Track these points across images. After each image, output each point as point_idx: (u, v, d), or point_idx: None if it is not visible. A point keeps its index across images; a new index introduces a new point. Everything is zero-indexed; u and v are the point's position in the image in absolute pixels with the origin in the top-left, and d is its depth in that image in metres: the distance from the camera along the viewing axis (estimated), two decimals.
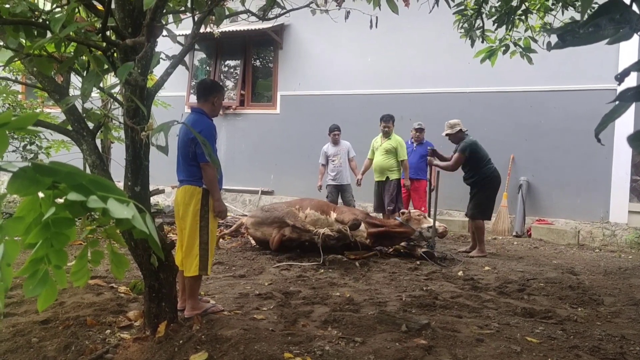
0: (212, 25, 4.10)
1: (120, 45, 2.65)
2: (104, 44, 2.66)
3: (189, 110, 10.99)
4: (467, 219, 7.28)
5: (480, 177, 6.64)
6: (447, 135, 6.89)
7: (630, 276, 5.58)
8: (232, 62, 11.45)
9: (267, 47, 11.06)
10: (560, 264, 6.28)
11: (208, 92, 3.75)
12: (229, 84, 11.37)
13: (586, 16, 1.10)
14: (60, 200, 0.97)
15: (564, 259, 6.68)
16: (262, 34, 10.17)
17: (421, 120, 8.44)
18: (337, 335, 3.24)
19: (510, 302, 4.31)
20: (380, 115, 8.09)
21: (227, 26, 9.11)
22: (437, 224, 6.42)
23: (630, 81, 1.19)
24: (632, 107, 7.45)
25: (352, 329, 3.39)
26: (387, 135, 7.90)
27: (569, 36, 1.13)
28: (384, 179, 7.89)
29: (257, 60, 11.41)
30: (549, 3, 5.26)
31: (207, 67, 11.54)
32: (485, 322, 3.65)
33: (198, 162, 3.55)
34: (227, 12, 3.72)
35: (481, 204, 6.67)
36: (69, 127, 3.05)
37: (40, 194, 0.98)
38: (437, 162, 7.01)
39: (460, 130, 6.76)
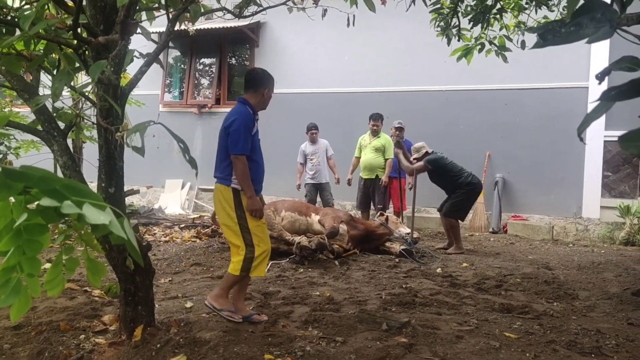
0: (187, 22, 4.04)
1: (92, 43, 2.58)
2: (75, 42, 2.58)
3: (164, 109, 10.96)
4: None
5: (460, 185, 6.70)
6: (414, 159, 6.98)
7: (604, 270, 5.69)
8: (207, 60, 11.33)
9: (243, 45, 10.97)
10: (536, 259, 6.38)
11: (259, 83, 3.55)
12: (204, 82, 11.25)
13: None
14: (33, 206, 0.93)
15: (539, 254, 6.79)
16: (237, 32, 10.08)
17: (398, 118, 8.45)
18: (318, 336, 3.22)
19: (488, 298, 4.35)
20: (357, 113, 8.13)
21: (202, 24, 8.99)
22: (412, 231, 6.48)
23: (606, 80, 1.20)
24: None
25: (332, 328, 3.37)
26: (375, 133, 7.92)
27: (550, 35, 1.13)
28: (374, 177, 7.89)
29: (233, 58, 11.31)
30: (523, 2, 5.33)
31: (182, 65, 11.39)
32: (464, 319, 3.68)
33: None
34: (202, 10, 3.66)
35: (457, 205, 6.75)
36: (39, 127, 2.97)
37: (11, 199, 0.93)
38: (401, 155, 6.98)
39: (427, 152, 6.88)
